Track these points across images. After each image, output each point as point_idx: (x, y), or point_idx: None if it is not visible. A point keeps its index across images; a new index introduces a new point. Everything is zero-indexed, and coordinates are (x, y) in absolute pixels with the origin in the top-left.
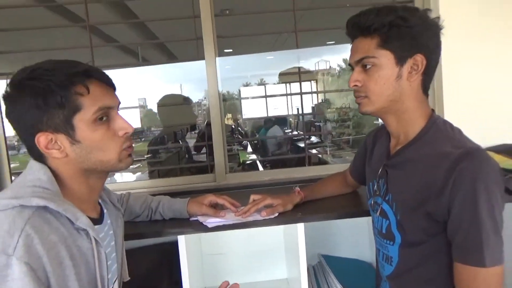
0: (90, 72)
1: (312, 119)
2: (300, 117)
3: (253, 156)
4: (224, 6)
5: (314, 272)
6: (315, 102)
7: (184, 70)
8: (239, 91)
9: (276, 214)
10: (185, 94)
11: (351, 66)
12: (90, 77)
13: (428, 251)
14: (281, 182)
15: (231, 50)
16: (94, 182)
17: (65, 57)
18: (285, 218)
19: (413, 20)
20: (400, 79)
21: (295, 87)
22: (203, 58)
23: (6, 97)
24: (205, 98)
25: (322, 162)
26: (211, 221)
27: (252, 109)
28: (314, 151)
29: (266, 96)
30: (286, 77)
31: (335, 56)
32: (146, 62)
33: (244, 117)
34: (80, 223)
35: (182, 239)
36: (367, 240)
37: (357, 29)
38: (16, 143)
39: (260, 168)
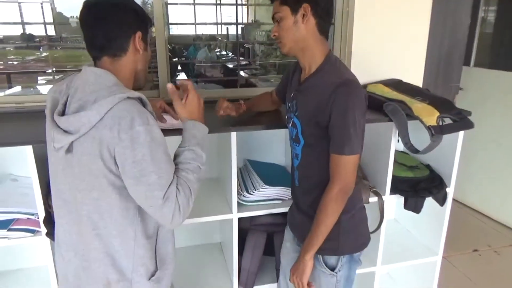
0: None
1: (242, 40)
2: (229, 37)
3: (183, 75)
4: None
5: (241, 173)
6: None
7: None
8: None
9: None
10: None
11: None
12: None
13: (319, 149)
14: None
15: None
16: None
17: None
18: (221, 127)
19: None
20: (297, 23)
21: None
22: None
23: None
24: None
25: (249, 83)
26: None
27: (178, 22)
28: (242, 73)
29: (195, 4)
30: None
31: None
32: None
33: (171, 32)
34: (149, 108)
35: None
36: (282, 149)
37: None
38: None
39: None
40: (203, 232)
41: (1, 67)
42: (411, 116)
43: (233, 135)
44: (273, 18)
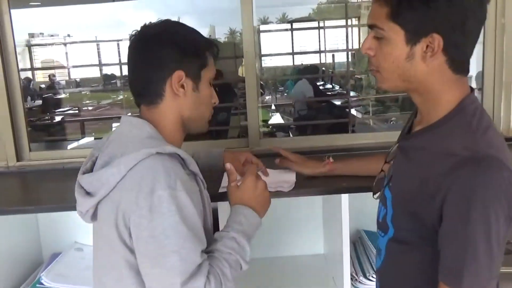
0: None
1: (352, 69)
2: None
3: (277, 116)
4: None
5: (355, 249)
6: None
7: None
8: (258, 27)
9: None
10: None
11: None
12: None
13: (414, 253)
14: (321, 150)
15: None
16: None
17: None
18: (326, 187)
19: None
20: (412, 59)
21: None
22: None
23: None
24: (210, 36)
25: (363, 125)
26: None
27: (273, 54)
28: (354, 111)
29: (292, 29)
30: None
31: None
32: None
33: (264, 64)
34: (192, 167)
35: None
36: None
37: None
38: None
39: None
40: None
41: (76, 111)
42: None
43: (344, 197)
44: (369, 26)
